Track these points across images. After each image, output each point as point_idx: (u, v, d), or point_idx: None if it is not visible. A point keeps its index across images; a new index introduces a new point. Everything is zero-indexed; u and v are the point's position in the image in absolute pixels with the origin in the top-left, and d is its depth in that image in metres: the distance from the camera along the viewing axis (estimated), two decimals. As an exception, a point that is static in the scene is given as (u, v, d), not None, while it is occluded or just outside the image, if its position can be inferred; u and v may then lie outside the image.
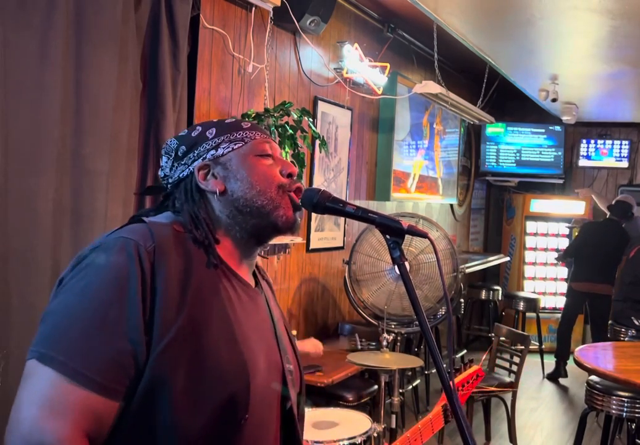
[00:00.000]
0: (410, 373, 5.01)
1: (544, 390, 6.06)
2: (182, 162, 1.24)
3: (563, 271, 7.54)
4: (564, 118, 6.74)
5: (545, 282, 7.69)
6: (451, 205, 6.94)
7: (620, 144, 7.85)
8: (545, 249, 7.69)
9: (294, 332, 3.76)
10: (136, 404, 1.04)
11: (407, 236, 1.21)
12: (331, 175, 4.46)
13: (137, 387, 1.04)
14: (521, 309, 6.85)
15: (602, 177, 7.94)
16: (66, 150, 2.34)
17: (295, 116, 3.36)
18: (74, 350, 1.00)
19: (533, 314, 6.95)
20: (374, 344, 4.21)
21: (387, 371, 3.29)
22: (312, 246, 4.31)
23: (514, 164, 7.65)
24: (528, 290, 7.65)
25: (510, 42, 4.52)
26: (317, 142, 3.68)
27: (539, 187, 7.85)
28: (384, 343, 3.26)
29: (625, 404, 3.54)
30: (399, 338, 4.01)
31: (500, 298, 6.99)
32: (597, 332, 6.18)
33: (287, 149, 3.30)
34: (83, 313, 1.03)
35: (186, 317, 1.07)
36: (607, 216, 6.35)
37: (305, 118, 3.42)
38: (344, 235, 4.71)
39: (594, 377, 3.66)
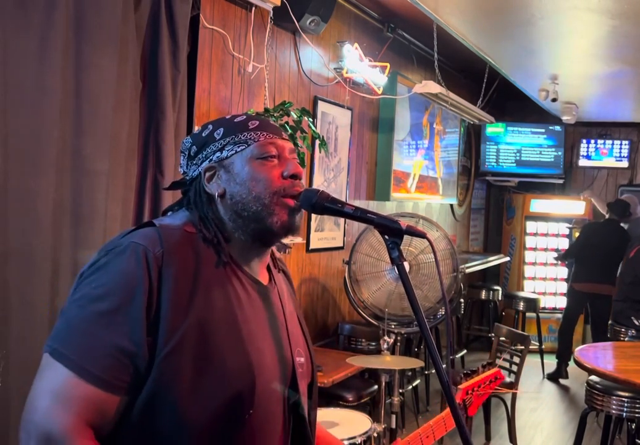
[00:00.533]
0: (410, 373, 5.01)
1: (544, 390, 6.06)
2: (194, 162, 1.28)
3: (563, 271, 7.54)
4: (564, 118, 6.74)
5: (545, 282, 7.69)
6: (451, 205, 6.93)
7: (620, 144, 7.85)
8: (545, 249, 7.69)
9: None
10: (144, 400, 1.11)
11: (406, 236, 1.21)
12: (331, 175, 4.46)
13: (142, 385, 1.10)
14: (521, 309, 6.85)
15: (602, 177, 7.94)
16: (66, 151, 2.34)
17: (295, 116, 3.36)
18: (81, 348, 1.08)
19: (533, 314, 6.95)
20: (374, 344, 4.22)
21: (387, 371, 3.29)
22: (312, 246, 4.31)
23: (514, 164, 7.65)
24: (528, 290, 7.65)
25: (510, 42, 4.52)
26: (317, 142, 3.68)
27: (539, 187, 7.85)
28: (384, 346, 3.26)
29: (625, 404, 3.53)
30: (398, 338, 4.01)
31: (500, 298, 6.98)
32: (598, 333, 6.18)
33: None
34: (92, 314, 1.10)
35: (193, 320, 1.12)
36: (607, 216, 6.36)
37: (305, 118, 3.42)
38: (344, 235, 4.71)
39: (594, 377, 3.66)
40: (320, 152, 4.08)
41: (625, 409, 3.55)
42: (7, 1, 2.14)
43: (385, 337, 3.31)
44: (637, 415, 3.56)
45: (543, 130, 7.64)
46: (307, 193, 1.24)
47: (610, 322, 5.27)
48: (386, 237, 1.22)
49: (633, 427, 3.62)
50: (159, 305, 1.11)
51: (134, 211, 2.68)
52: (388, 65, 4.74)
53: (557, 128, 7.61)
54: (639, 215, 6.25)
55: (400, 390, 4.28)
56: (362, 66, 4.47)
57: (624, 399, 3.54)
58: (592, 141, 7.93)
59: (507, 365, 4.50)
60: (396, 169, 5.25)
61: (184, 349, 1.11)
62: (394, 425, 3.28)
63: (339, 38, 4.44)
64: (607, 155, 7.89)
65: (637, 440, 3.66)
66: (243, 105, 3.53)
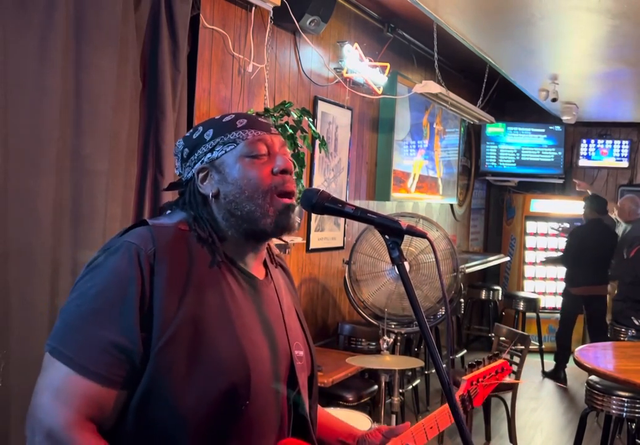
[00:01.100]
0: (410, 373, 5.01)
1: (544, 390, 6.06)
2: (187, 164, 1.30)
3: (563, 271, 7.53)
4: (564, 118, 6.74)
5: (545, 282, 7.69)
6: (451, 205, 6.93)
7: (620, 144, 7.85)
8: (545, 249, 7.69)
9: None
10: (141, 394, 1.14)
11: (407, 236, 1.21)
12: (331, 175, 4.46)
13: (139, 379, 1.14)
14: (521, 309, 6.85)
15: (602, 177, 7.94)
16: (66, 151, 2.34)
17: (295, 116, 3.36)
18: (78, 346, 1.13)
19: (533, 314, 6.95)
20: (374, 344, 4.22)
21: (387, 371, 3.29)
22: (312, 246, 4.31)
23: (514, 164, 7.65)
24: (528, 290, 7.65)
25: (510, 42, 4.52)
26: (317, 142, 3.68)
27: (539, 187, 7.85)
28: (384, 346, 3.26)
29: (625, 404, 3.53)
30: (398, 338, 4.01)
31: (500, 298, 6.98)
32: (596, 333, 6.20)
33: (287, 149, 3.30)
34: (87, 313, 1.14)
35: (186, 316, 1.15)
36: (585, 216, 6.36)
37: (305, 118, 3.42)
38: (344, 235, 4.71)
39: (594, 377, 3.66)
40: (320, 152, 4.08)
41: (625, 409, 3.55)
42: (7, 1, 2.14)
43: (385, 337, 3.31)
44: (637, 415, 3.56)
45: (543, 130, 7.64)
46: (307, 193, 1.25)
47: (610, 322, 5.27)
48: (386, 237, 1.22)
49: (633, 427, 3.62)
50: (152, 302, 1.15)
51: (134, 211, 2.68)
52: (388, 65, 4.74)
53: (557, 128, 7.61)
54: (639, 216, 6.24)
55: (400, 390, 4.28)
56: (362, 66, 4.47)
57: (624, 399, 3.54)
58: (592, 141, 7.93)
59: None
60: (396, 169, 5.25)
61: (177, 344, 1.14)
62: (394, 425, 3.28)
63: (339, 38, 4.43)
64: (607, 155, 7.88)
65: (637, 440, 3.66)
66: (243, 105, 3.53)
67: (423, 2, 3.67)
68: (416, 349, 5.27)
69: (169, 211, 1.31)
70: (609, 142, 7.88)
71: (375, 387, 3.82)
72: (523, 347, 4.25)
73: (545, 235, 7.70)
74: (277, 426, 1.26)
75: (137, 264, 1.15)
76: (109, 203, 2.47)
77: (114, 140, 2.49)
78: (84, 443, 1.10)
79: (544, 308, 7.23)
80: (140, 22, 2.64)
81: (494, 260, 7.01)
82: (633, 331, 4.86)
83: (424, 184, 5.90)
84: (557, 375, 6.31)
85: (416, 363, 3.50)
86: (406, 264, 1.20)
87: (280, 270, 1.43)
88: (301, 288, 4.28)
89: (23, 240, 2.20)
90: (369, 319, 4.21)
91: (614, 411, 3.58)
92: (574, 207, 7.59)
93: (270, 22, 3.61)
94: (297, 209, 1.28)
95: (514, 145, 7.64)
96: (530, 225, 7.78)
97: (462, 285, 5.16)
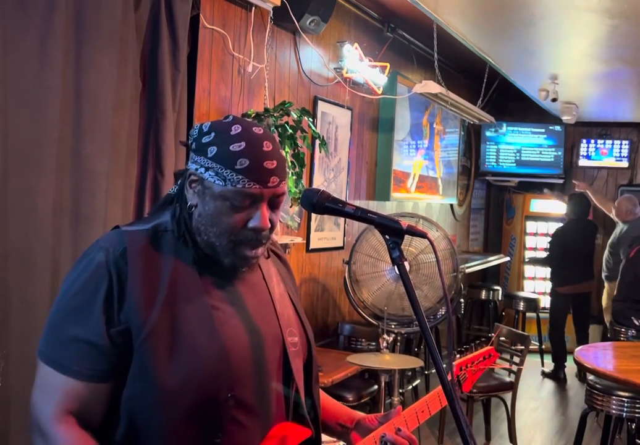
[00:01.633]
0: (410, 373, 5.01)
1: (544, 390, 6.06)
2: (191, 155, 1.29)
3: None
4: (564, 118, 6.74)
5: (545, 282, 7.68)
6: (451, 205, 6.93)
7: (620, 144, 7.84)
8: (546, 249, 7.68)
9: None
10: (128, 389, 1.20)
11: (407, 236, 1.22)
12: (331, 175, 4.46)
13: (121, 373, 1.19)
14: (521, 309, 6.86)
15: (602, 177, 7.94)
16: (66, 151, 2.34)
17: (295, 116, 3.36)
18: (55, 345, 1.21)
19: (533, 314, 6.95)
20: (374, 344, 4.22)
21: (387, 371, 3.29)
22: (312, 246, 4.31)
23: (514, 164, 7.65)
24: (528, 290, 7.65)
25: (510, 42, 4.51)
26: (317, 142, 3.68)
27: (539, 187, 7.84)
28: (384, 344, 3.26)
29: (625, 404, 3.53)
30: (398, 338, 4.01)
31: (500, 298, 6.99)
32: (581, 329, 6.41)
33: (287, 149, 3.30)
34: (62, 313, 1.23)
35: (162, 313, 1.19)
36: (566, 215, 6.52)
37: (305, 118, 3.42)
38: (344, 235, 4.71)
39: (594, 377, 3.66)
40: (320, 152, 4.08)
41: (625, 409, 3.54)
42: (8, 1, 2.14)
43: (385, 336, 3.31)
44: (637, 415, 3.56)
45: (543, 130, 7.64)
46: (307, 193, 1.25)
47: (610, 322, 5.27)
48: (387, 237, 1.23)
49: (633, 427, 3.62)
50: (124, 299, 1.19)
51: (134, 211, 2.68)
52: (388, 65, 4.74)
53: (557, 128, 7.60)
54: (638, 216, 6.26)
55: (400, 390, 4.28)
56: (362, 66, 4.47)
57: (624, 399, 3.54)
58: (592, 141, 7.92)
59: (507, 365, 4.50)
60: (396, 169, 5.25)
61: (156, 338, 1.18)
62: (387, 411, 3.28)
63: (339, 38, 4.43)
64: (607, 155, 7.88)
65: (637, 440, 3.66)
66: (243, 105, 3.53)
67: (423, 2, 3.67)
68: (416, 349, 5.27)
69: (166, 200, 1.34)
70: (609, 142, 7.88)
71: (375, 387, 3.82)
72: (523, 347, 4.24)
73: (545, 235, 7.70)
74: (273, 413, 1.28)
75: (105, 265, 1.21)
76: (109, 203, 2.47)
77: (114, 140, 2.49)
78: (63, 433, 1.18)
79: (544, 308, 7.23)
80: (140, 22, 2.64)
81: (494, 260, 7.01)
82: (633, 331, 4.86)
83: (424, 184, 5.90)
84: (556, 375, 6.33)
85: (416, 363, 3.50)
86: (406, 264, 1.20)
87: (274, 258, 1.44)
88: (301, 288, 4.28)
89: (23, 240, 2.20)
90: (369, 319, 4.21)
91: (614, 411, 3.58)
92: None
93: (270, 22, 3.61)
94: (297, 208, 1.28)
95: (514, 145, 7.64)
96: (530, 225, 7.78)
97: (462, 285, 5.16)
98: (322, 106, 4.28)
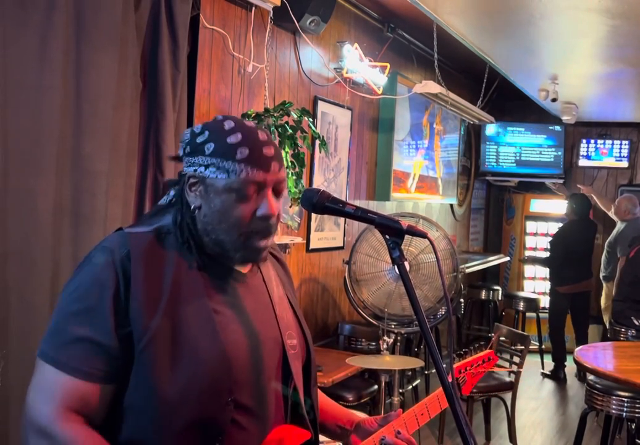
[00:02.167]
0: (410, 373, 5.01)
1: (544, 390, 6.06)
2: (185, 160, 1.29)
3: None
4: (564, 118, 6.74)
5: (545, 282, 7.67)
6: (451, 205, 6.93)
7: (620, 144, 7.84)
8: (546, 249, 7.68)
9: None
10: (129, 392, 1.19)
11: (407, 236, 1.22)
12: (331, 175, 4.46)
13: (124, 374, 1.19)
14: (521, 309, 6.85)
15: (602, 177, 7.94)
16: (66, 150, 2.34)
17: (295, 116, 3.36)
18: (59, 345, 1.19)
19: (533, 314, 6.95)
20: (374, 344, 4.22)
21: (387, 371, 3.29)
22: (312, 246, 4.30)
23: (514, 164, 7.65)
24: (528, 290, 7.65)
25: (510, 42, 4.51)
26: (317, 142, 3.68)
27: (539, 187, 7.85)
28: (384, 346, 3.26)
29: (625, 404, 3.53)
30: (398, 338, 4.01)
31: (500, 298, 6.99)
32: (580, 328, 6.42)
33: (287, 149, 3.30)
34: (68, 315, 1.21)
35: (164, 317, 1.19)
36: (567, 215, 6.53)
37: (305, 118, 3.42)
38: (344, 235, 4.71)
39: (594, 377, 3.66)
40: (320, 152, 4.08)
41: (625, 409, 3.54)
42: (7, 1, 2.14)
43: (385, 337, 3.31)
44: (637, 415, 3.55)
45: (543, 130, 7.64)
46: (307, 193, 1.25)
47: (610, 322, 5.28)
48: (387, 237, 1.23)
49: (633, 427, 3.62)
50: (129, 302, 1.19)
51: (134, 211, 2.68)
52: (388, 65, 4.74)
53: (557, 128, 7.60)
54: (638, 216, 6.26)
55: (400, 390, 4.29)
56: (362, 66, 4.47)
57: (624, 399, 3.54)
58: (592, 141, 7.92)
59: (507, 365, 4.50)
60: (396, 169, 5.25)
61: (157, 345, 1.17)
62: (387, 413, 3.28)
63: (339, 38, 4.43)
64: (607, 155, 7.88)
65: (637, 440, 3.66)
66: (243, 105, 3.53)
67: (423, 2, 3.67)
68: (416, 349, 5.27)
69: (162, 203, 1.33)
70: (608, 142, 7.88)
71: (375, 387, 3.82)
72: (523, 347, 4.24)
73: (545, 235, 7.70)
74: (272, 416, 1.29)
75: (112, 266, 1.20)
76: (109, 203, 2.47)
77: (114, 140, 2.48)
78: (71, 431, 1.15)
79: (544, 308, 7.23)
80: (140, 22, 2.64)
81: (494, 260, 7.01)
82: (633, 331, 4.86)
83: (424, 184, 5.90)
84: (556, 375, 6.33)
85: (416, 363, 3.50)
86: (406, 263, 1.20)
87: (272, 260, 1.44)
88: (301, 288, 4.28)
89: (23, 240, 2.20)
90: (369, 319, 4.21)
91: (614, 411, 3.58)
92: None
93: (270, 22, 3.61)
94: (297, 208, 1.29)
95: (514, 145, 7.63)
96: (530, 225, 7.78)
97: (462, 285, 5.16)
98: (322, 106, 4.28)
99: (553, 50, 4.68)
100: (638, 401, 3.52)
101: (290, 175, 3.31)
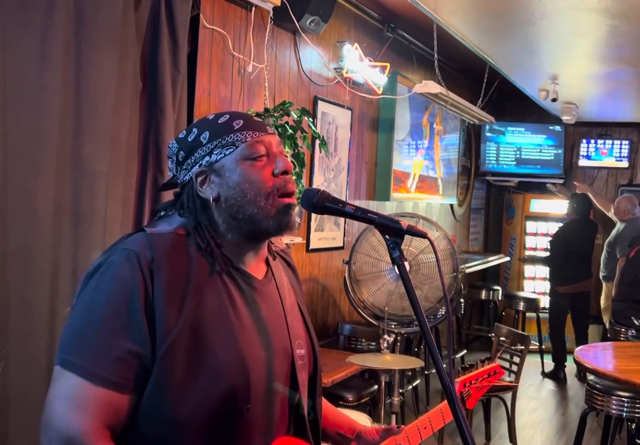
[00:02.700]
0: (410, 373, 5.01)
1: (544, 390, 6.06)
2: (183, 167, 1.29)
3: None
4: (564, 118, 6.74)
5: (545, 282, 7.68)
6: (451, 205, 6.93)
7: (620, 144, 7.84)
8: (546, 249, 7.68)
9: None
10: (146, 397, 1.16)
11: (407, 236, 1.21)
12: (331, 175, 4.46)
13: (146, 384, 1.15)
14: (521, 309, 6.85)
15: (602, 177, 7.94)
16: (66, 150, 2.34)
17: (295, 116, 3.36)
18: (88, 355, 1.14)
19: (533, 314, 6.95)
20: (374, 344, 4.22)
21: (387, 371, 3.29)
22: (312, 246, 4.30)
23: (514, 164, 7.64)
24: (528, 290, 7.65)
25: (510, 42, 4.51)
26: (317, 142, 3.68)
27: (539, 187, 7.85)
28: (384, 344, 3.26)
29: (625, 404, 3.53)
30: (399, 338, 4.01)
31: (500, 298, 6.99)
32: (580, 328, 6.42)
33: (287, 149, 3.30)
34: (95, 321, 1.15)
35: (185, 322, 1.16)
36: (567, 215, 6.55)
37: (305, 118, 3.42)
38: (344, 235, 4.71)
39: (593, 377, 3.66)
40: (320, 152, 4.08)
41: (625, 409, 3.54)
42: (8, 1, 2.14)
43: (385, 336, 3.31)
44: (637, 415, 3.55)
45: (543, 130, 7.64)
46: (307, 193, 1.25)
47: (610, 322, 5.28)
48: (387, 237, 1.22)
49: (633, 427, 3.62)
50: (153, 307, 1.15)
51: (134, 211, 2.68)
52: (388, 65, 4.74)
53: (557, 128, 7.60)
54: (638, 216, 6.26)
55: (400, 390, 4.28)
56: (362, 66, 4.47)
57: (624, 399, 3.54)
58: (592, 141, 7.92)
59: (507, 365, 4.51)
60: (396, 169, 5.25)
61: (177, 350, 1.15)
62: (389, 425, 3.28)
63: (339, 38, 4.43)
64: (607, 155, 7.88)
65: (637, 440, 3.66)
66: (243, 105, 3.53)
67: (423, 2, 3.67)
68: (416, 349, 5.27)
69: (162, 213, 1.32)
70: (609, 142, 7.88)
71: (375, 387, 3.82)
72: (523, 347, 4.24)
73: (545, 235, 7.70)
74: (277, 427, 1.27)
75: (139, 269, 1.16)
76: (109, 203, 2.47)
77: (114, 140, 2.48)
78: None
79: (544, 308, 7.23)
80: (140, 22, 2.64)
81: (494, 260, 7.01)
82: (633, 331, 4.86)
83: (424, 184, 5.90)
84: (557, 375, 6.33)
85: (416, 363, 3.50)
86: (406, 264, 1.20)
87: (284, 265, 1.43)
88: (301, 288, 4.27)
89: (23, 240, 2.20)
90: (369, 319, 4.21)
91: (614, 411, 3.58)
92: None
93: (270, 22, 3.61)
94: (297, 208, 1.28)
95: (514, 145, 7.63)
96: (530, 225, 7.77)
97: (462, 285, 5.16)
98: (322, 106, 4.28)
99: (553, 50, 4.68)
100: (638, 401, 3.52)
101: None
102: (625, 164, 7.83)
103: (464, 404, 1.73)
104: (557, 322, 6.40)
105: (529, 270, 7.74)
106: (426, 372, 5.27)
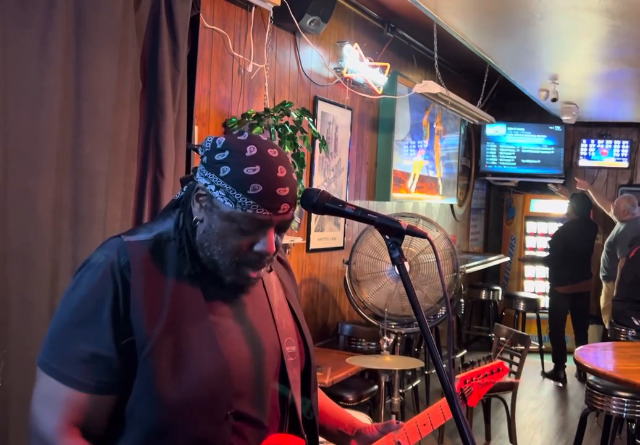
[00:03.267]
0: (410, 373, 5.01)
1: (544, 390, 6.06)
2: (200, 167, 1.25)
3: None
4: (564, 118, 6.73)
5: (546, 282, 7.68)
6: (451, 205, 6.93)
7: (621, 144, 7.84)
8: (546, 249, 7.68)
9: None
10: (131, 402, 1.19)
11: (407, 236, 1.21)
12: (331, 176, 4.46)
13: (126, 385, 1.19)
14: (521, 309, 6.85)
15: (602, 177, 7.94)
16: (66, 150, 2.34)
17: (295, 116, 3.36)
18: (60, 357, 1.19)
19: (533, 314, 6.95)
20: (374, 344, 4.22)
21: (387, 371, 3.29)
22: (312, 246, 4.30)
23: (514, 164, 7.64)
24: (528, 290, 7.65)
25: (510, 42, 4.51)
26: (317, 142, 3.68)
27: (539, 187, 7.85)
28: (384, 346, 3.26)
29: (625, 404, 3.53)
30: (399, 338, 4.01)
31: (500, 298, 6.99)
32: (580, 329, 6.42)
33: (287, 149, 3.30)
34: (67, 326, 1.21)
35: (164, 327, 1.18)
36: (567, 215, 6.55)
37: (305, 118, 3.42)
38: (344, 235, 4.71)
39: (594, 377, 3.66)
40: (320, 152, 4.08)
41: (625, 409, 3.54)
42: (7, 0, 2.14)
43: (385, 337, 3.31)
44: (637, 415, 3.55)
45: (543, 130, 7.64)
46: (308, 193, 1.25)
47: (610, 322, 5.28)
48: (387, 237, 1.22)
49: (633, 427, 3.62)
50: (129, 313, 1.18)
51: (134, 211, 2.68)
52: (388, 65, 4.74)
53: (557, 128, 7.60)
54: (637, 216, 6.26)
55: (400, 390, 4.28)
56: (362, 66, 4.47)
57: (624, 399, 3.54)
58: (592, 141, 7.92)
59: (507, 365, 4.50)
60: (396, 169, 5.25)
61: (159, 354, 1.17)
62: (388, 421, 3.28)
63: (339, 38, 4.43)
64: (607, 155, 7.88)
65: (637, 441, 3.66)
66: (243, 105, 3.53)
67: (423, 2, 3.67)
68: (416, 349, 5.27)
69: (170, 208, 1.32)
70: (609, 142, 7.88)
71: (375, 387, 3.82)
72: (523, 347, 4.24)
73: (545, 235, 7.70)
74: (269, 423, 1.28)
75: (111, 275, 1.19)
76: (109, 203, 2.47)
77: (114, 140, 2.48)
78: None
79: (544, 308, 7.24)
80: (140, 22, 2.64)
81: (494, 261, 7.01)
82: (633, 331, 4.86)
83: (424, 184, 5.90)
84: (557, 375, 6.33)
85: (416, 363, 3.50)
86: (406, 264, 1.20)
87: (276, 263, 1.42)
88: (301, 288, 4.28)
89: (23, 240, 2.20)
90: (369, 319, 4.21)
91: (614, 411, 3.58)
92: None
93: (270, 22, 3.61)
94: (297, 208, 1.28)
95: (514, 145, 7.63)
96: (530, 225, 7.77)
97: (462, 286, 5.16)
98: (322, 106, 4.28)
99: (553, 50, 4.68)
100: (638, 401, 3.52)
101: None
102: (625, 164, 7.83)
103: (465, 401, 1.70)
104: (556, 322, 6.41)
105: (529, 270, 7.74)
106: (426, 372, 5.27)
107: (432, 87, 4.78)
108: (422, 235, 1.21)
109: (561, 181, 7.68)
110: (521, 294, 7.23)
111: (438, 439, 4.39)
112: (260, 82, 3.66)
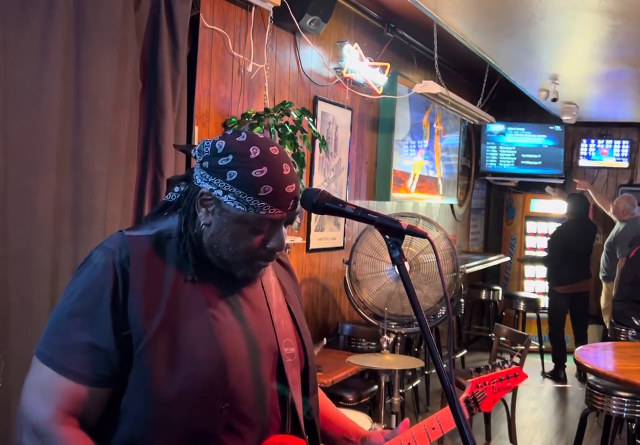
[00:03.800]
0: (410, 373, 5.01)
1: (544, 390, 6.06)
2: (201, 173, 1.24)
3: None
4: (564, 118, 6.73)
5: (546, 282, 7.68)
6: (451, 205, 6.93)
7: (621, 144, 7.84)
8: (546, 249, 7.68)
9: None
10: (126, 394, 1.20)
11: (407, 236, 1.21)
12: (331, 175, 4.46)
13: (122, 378, 1.20)
14: (521, 309, 6.86)
15: (603, 177, 7.94)
16: (66, 151, 2.34)
17: (295, 116, 3.36)
18: (58, 347, 1.20)
19: (533, 314, 6.95)
20: (374, 344, 4.22)
21: (387, 371, 3.29)
22: (312, 246, 4.30)
23: (514, 164, 7.64)
24: (528, 290, 7.65)
25: (510, 42, 4.51)
26: (317, 142, 3.68)
27: (539, 187, 7.85)
28: (384, 345, 3.26)
29: (625, 404, 3.53)
30: (399, 338, 4.01)
31: (500, 298, 6.99)
32: (580, 328, 6.43)
33: (287, 148, 3.30)
34: (67, 317, 1.22)
35: (162, 322, 1.19)
36: (566, 215, 6.55)
37: (305, 118, 3.42)
38: (344, 235, 4.71)
39: (594, 377, 3.66)
40: (320, 152, 4.08)
41: (625, 409, 3.54)
42: (7, 1, 2.14)
43: (385, 336, 3.31)
44: (637, 415, 3.55)
45: (543, 130, 7.64)
46: (308, 193, 1.25)
47: (610, 322, 5.28)
48: (387, 237, 1.22)
49: (633, 427, 3.62)
50: (127, 305, 1.19)
51: (134, 211, 2.68)
52: (388, 65, 4.74)
53: (557, 128, 7.60)
54: (637, 215, 6.26)
55: (400, 390, 4.28)
56: (362, 66, 4.47)
57: (624, 399, 3.54)
58: (592, 141, 7.92)
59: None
60: (396, 169, 5.25)
61: (156, 348, 1.18)
62: (394, 426, 3.28)
63: (339, 38, 4.43)
64: (607, 155, 7.88)
65: (637, 441, 3.66)
66: (243, 105, 3.53)
67: (423, 2, 3.67)
68: (416, 349, 5.27)
69: (163, 208, 1.33)
70: (609, 142, 7.88)
71: (375, 387, 3.82)
72: (523, 347, 4.24)
73: (546, 235, 7.70)
74: (270, 424, 1.28)
75: (112, 268, 1.20)
76: (109, 203, 2.47)
77: (114, 140, 2.48)
78: (65, 435, 1.17)
79: (544, 308, 7.24)
80: (140, 22, 2.64)
81: (494, 260, 7.01)
82: (633, 331, 4.86)
83: (424, 184, 5.90)
84: (557, 375, 6.34)
85: (416, 363, 3.50)
86: (406, 264, 1.20)
87: (276, 265, 1.44)
88: (301, 288, 4.26)
89: (23, 240, 2.20)
90: (369, 319, 4.20)
91: (614, 411, 3.58)
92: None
93: (270, 22, 3.61)
94: (297, 208, 1.28)
95: (514, 145, 7.63)
96: (530, 225, 7.77)
97: (462, 285, 5.16)
98: (322, 106, 4.28)
99: (553, 50, 4.68)
100: (638, 401, 3.52)
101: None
102: (625, 164, 7.83)
103: (477, 405, 1.66)
104: (556, 322, 6.41)
105: (529, 270, 7.74)
106: (426, 372, 5.27)
107: (432, 87, 4.78)
108: (422, 235, 1.21)
109: (561, 181, 7.68)
110: (521, 294, 7.23)
111: (438, 439, 4.38)
112: (260, 82, 3.66)
